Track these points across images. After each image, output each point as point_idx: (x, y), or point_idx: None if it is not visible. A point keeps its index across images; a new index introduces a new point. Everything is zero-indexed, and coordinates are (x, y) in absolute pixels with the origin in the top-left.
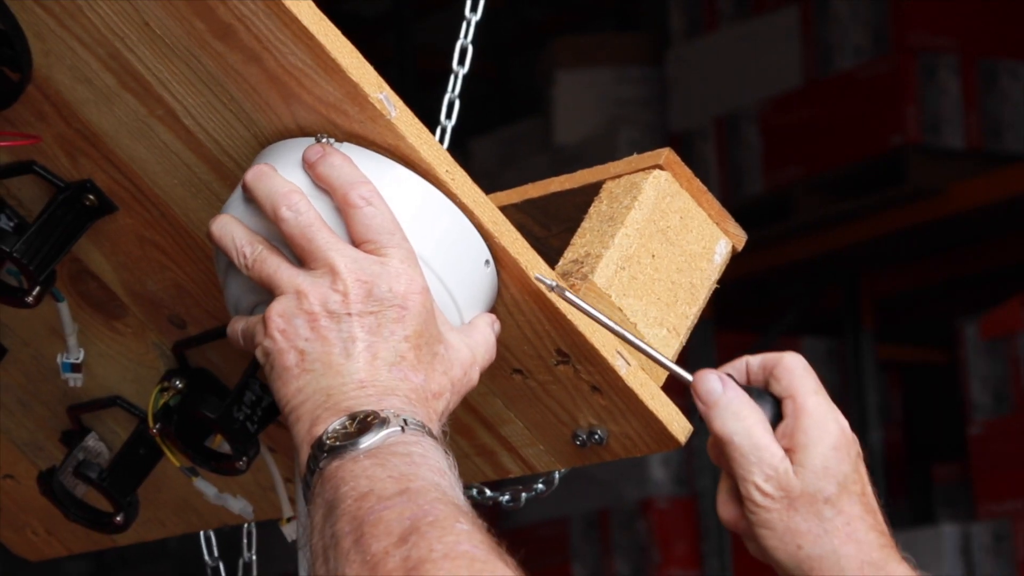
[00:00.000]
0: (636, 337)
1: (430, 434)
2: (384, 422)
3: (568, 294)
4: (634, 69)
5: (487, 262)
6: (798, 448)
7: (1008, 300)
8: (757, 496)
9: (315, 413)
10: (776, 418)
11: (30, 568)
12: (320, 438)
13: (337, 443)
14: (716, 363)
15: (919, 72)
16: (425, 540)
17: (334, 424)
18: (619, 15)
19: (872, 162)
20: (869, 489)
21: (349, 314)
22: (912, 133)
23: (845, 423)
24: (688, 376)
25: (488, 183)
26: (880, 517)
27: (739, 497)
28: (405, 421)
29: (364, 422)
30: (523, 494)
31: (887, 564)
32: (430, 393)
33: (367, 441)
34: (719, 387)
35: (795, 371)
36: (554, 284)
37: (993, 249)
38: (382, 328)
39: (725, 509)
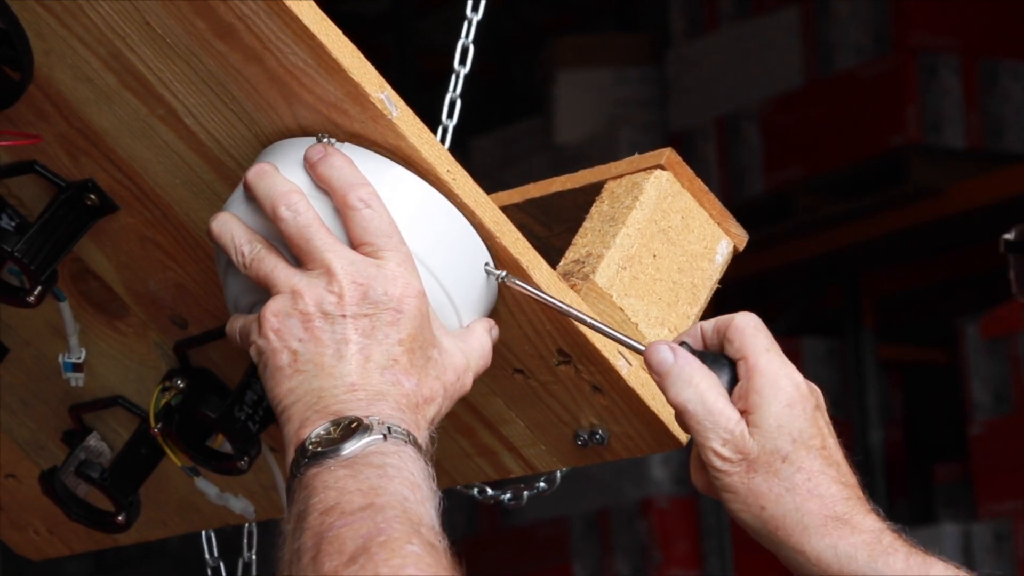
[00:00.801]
0: (582, 313)
1: (413, 443)
2: (367, 429)
3: (514, 281)
4: (634, 69)
5: (487, 265)
6: (752, 409)
7: (1008, 300)
8: (716, 461)
9: (304, 415)
10: (733, 381)
11: (31, 567)
12: (304, 443)
13: (319, 449)
14: None
15: (920, 72)
16: (372, 562)
17: (318, 429)
18: (619, 15)
19: (873, 162)
20: (831, 442)
21: (343, 316)
22: (913, 133)
23: (800, 378)
24: (640, 347)
25: (488, 183)
26: (845, 468)
27: None
28: (389, 429)
29: (347, 428)
30: (525, 492)
31: (853, 516)
32: (421, 398)
33: (348, 449)
34: (670, 356)
35: (746, 331)
36: (502, 274)
37: (993, 249)
38: (376, 331)
39: (696, 476)
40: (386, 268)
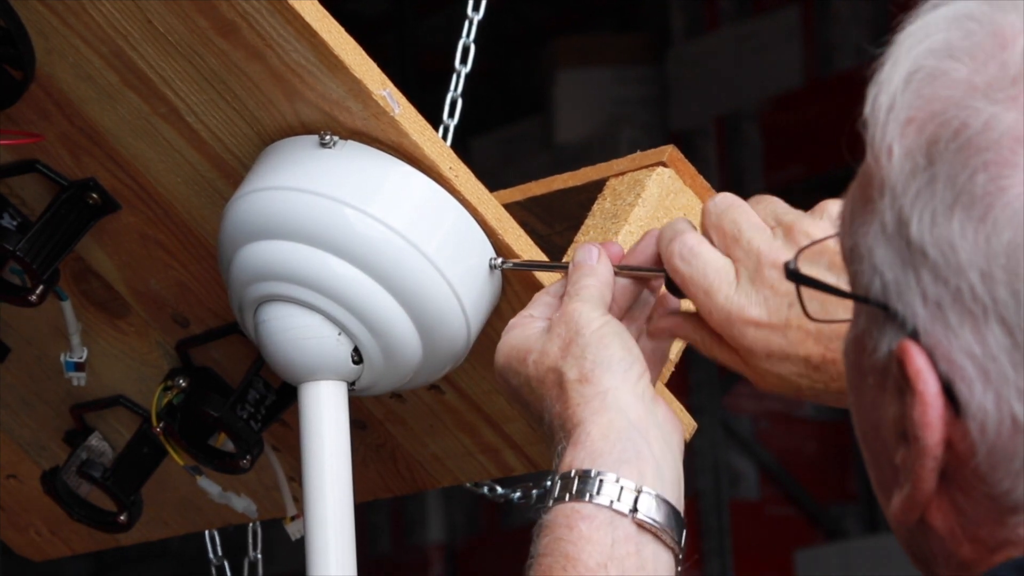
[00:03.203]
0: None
1: None
2: None
3: (514, 263)
4: (634, 69)
5: (492, 260)
6: None
7: None
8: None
9: None
10: None
11: (32, 568)
12: None
13: None
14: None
15: None
16: None
17: None
18: (619, 15)
19: None
20: None
21: None
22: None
23: None
24: (658, 271)
25: (488, 182)
26: None
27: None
28: None
29: None
30: (534, 491)
31: None
32: None
33: None
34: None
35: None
36: (501, 261)
37: None
38: None
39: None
40: None
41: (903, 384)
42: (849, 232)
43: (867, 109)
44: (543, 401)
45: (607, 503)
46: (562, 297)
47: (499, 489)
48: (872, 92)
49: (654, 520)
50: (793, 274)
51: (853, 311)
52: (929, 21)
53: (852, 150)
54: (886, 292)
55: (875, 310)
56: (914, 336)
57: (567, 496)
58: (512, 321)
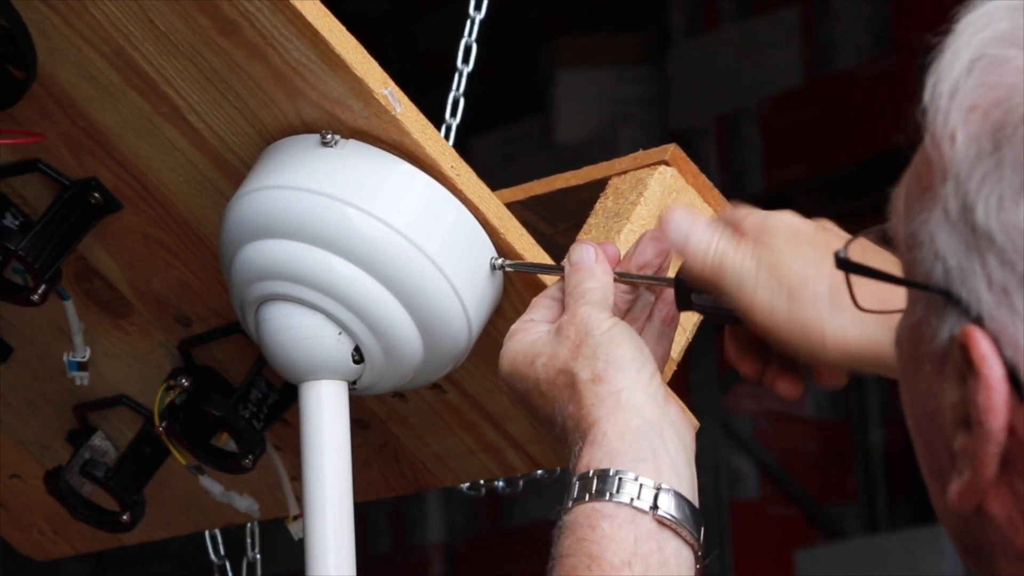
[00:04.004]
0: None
1: None
2: None
3: (514, 263)
4: (634, 68)
5: (494, 259)
6: None
7: None
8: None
9: None
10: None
11: (33, 568)
12: None
13: None
14: (718, 361)
15: (920, 72)
16: None
17: None
18: (619, 15)
19: (873, 162)
20: None
21: None
22: (913, 133)
23: None
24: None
25: (488, 182)
26: None
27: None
28: None
29: None
30: (520, 481)
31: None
32: None
33: None
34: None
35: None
36: (502, 261)
37: None
38: None
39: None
40: None
41: (966, 370)
42: (906, 220)
43: (926, 97)
44: (555, 404)
45: (627, 501)
46: (561, 300)
47: (481, 481)
48: (931, 80)
49: (674, 517)
50: (844, 263)
51: (908, 299)
52: (990, 9)
53: (852, 150)
54: (948, 278)
55: (936, 297)
56: (978, 322)
57: (587, 496)
58: (514, 327)
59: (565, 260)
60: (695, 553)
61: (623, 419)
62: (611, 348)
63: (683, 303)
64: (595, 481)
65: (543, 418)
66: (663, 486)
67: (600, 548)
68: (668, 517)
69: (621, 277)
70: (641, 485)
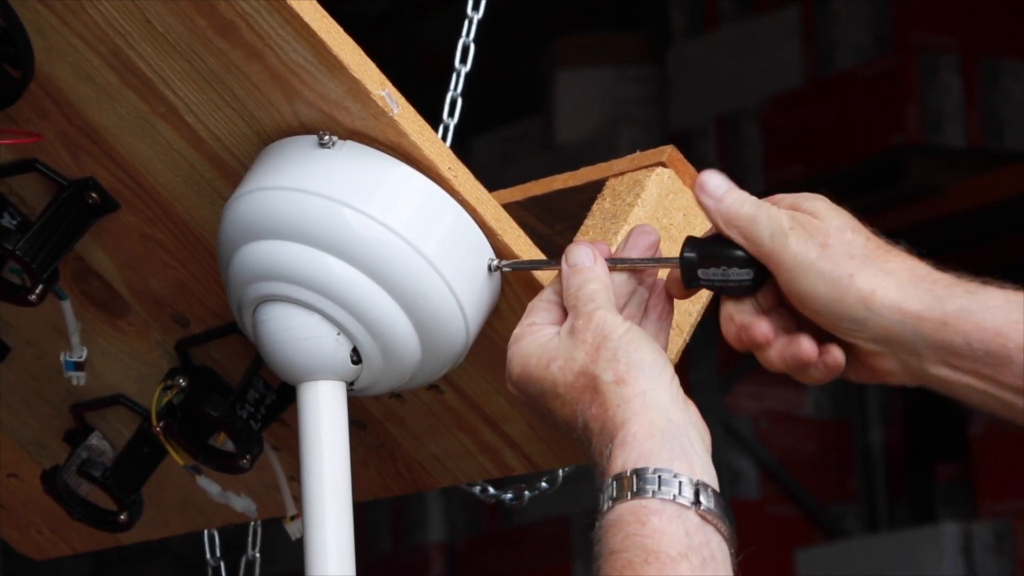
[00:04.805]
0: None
1: None
2: None
3: (511, 264)
4: (635, 68)
5: (491, 260)
6: None
7: None
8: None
9: None
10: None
11: (31, 567)
12: None
13: None
14: (717, 360)
15: (920, 71)
16: None
17: None
18: (619, 15)
19: (873, 162)
20: None
21: None
22: (913, 132)
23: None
24: (674, 259)
25: (489, 182)
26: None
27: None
28: None
29: None
30: (526, 492)
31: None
32: None
33: None
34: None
35: None
36: (499, 262)
37: (994, 249)
38: None
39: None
40: None
41: None
42: None
43: None
44: (575, 406)
45: (671, 497)
46: (559, 302)
47: (491, 490)
48: None
49: (715, 511)
50: None
51: None
52: None
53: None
54: None
55: None
56: None
57: (628, 494)
58: (517, 332)
59: (562, 260)
60: (731, 549)
61: (650, 419)
62: (631, 351)
63: (690, 280)
64: (634, 480)
65: (560, 420)
66: (702, 482)
67: (655, 542)
68: (709, 512)
69: (623, 263)
70: (680, 482)
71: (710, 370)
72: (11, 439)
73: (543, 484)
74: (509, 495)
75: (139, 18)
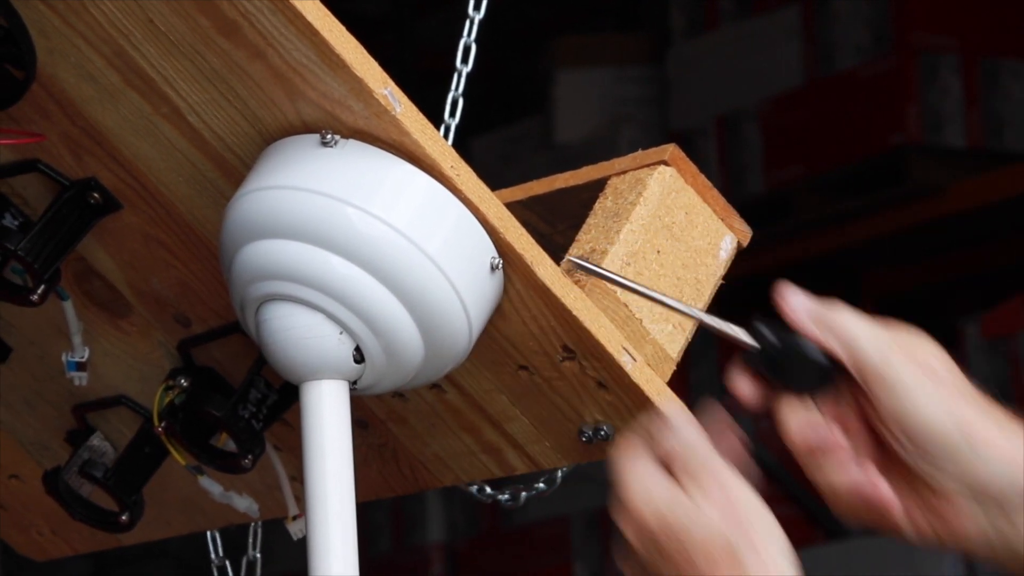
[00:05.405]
0: (681, 304)
1: None
2: None
3: (593, 267)
4: (635, 68)
5: (494, 259)
6: None
7: (1010, 299)
8: None
9: None
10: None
11: (32, 568)
12: None
13: None
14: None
15: (920, 72)
16: None
17: None
18: (619, 15)
19: (873, 162)
20: None
21: None
22: (913, 133)
23: None
24: (748, 338)
25: (489, 182)
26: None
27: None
28: None
29: None
30: (523, 493)
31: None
32: None
33: None
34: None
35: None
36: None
37: (994, 249)
38: None
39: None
40: None
41: None
42: None
43: None
44: (705, 565)
45: None
46: (651, 440)
47: (488, 490)
48: None
49: None
50: None
51: None
52: None
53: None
54: None
55: None
56: None
57: None
58: (628, 462)
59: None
60: None
61: None
62: (759, 520)
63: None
64: None
65: (672, 571)
66: None
67: None
68: None
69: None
70: None
71: (710, 370)
72: (12, 440)
73: (541, 484)
74: (505, 496)
75: (142, 18)
